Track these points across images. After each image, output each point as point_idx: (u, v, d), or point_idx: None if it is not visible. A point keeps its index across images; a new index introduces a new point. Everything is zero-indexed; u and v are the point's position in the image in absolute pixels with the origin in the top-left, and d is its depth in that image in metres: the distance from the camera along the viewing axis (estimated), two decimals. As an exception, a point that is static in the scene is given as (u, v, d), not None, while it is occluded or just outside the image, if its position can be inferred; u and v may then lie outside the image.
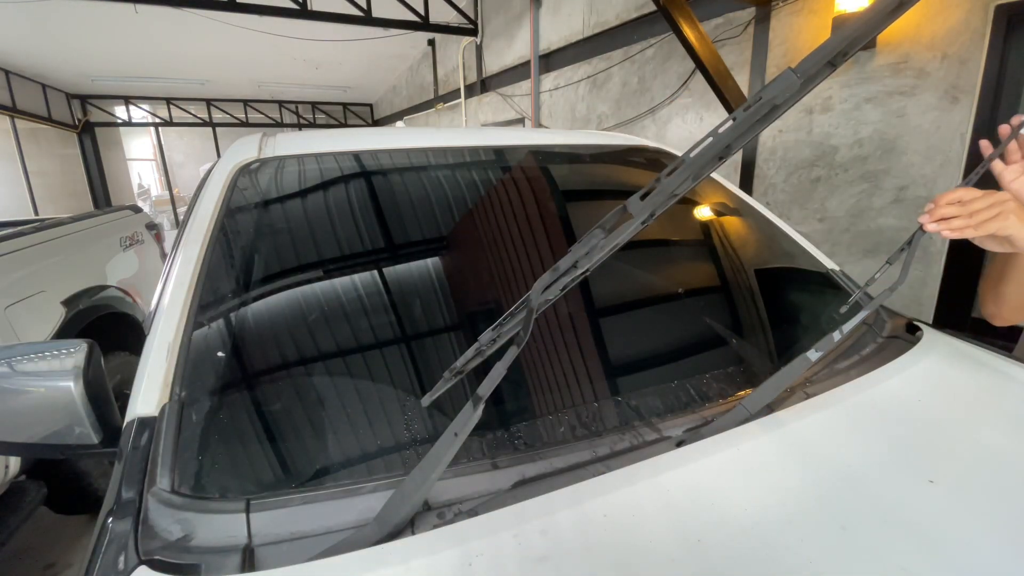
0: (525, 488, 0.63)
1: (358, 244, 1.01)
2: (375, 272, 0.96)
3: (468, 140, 1.37)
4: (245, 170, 1.08)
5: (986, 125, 2.15)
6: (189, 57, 7.78)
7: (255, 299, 0.85)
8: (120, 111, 10.36)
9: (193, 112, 10.75)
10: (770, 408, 0.82)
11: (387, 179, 1.16)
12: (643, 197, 0.47)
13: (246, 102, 11.01)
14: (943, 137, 2.26)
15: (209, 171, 1.26)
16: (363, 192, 1.12)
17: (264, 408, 0.75)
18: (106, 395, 0.78)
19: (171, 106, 10.44)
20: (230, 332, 0.79)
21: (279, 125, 11.35)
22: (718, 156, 0.48)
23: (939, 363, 0.98)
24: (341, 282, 0.93)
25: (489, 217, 1.11)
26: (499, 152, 1.32)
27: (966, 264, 2.28)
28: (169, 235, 4.25)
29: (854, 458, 0.72)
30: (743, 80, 3.00)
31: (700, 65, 2.81)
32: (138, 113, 10.66)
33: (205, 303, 0.79)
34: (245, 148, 1.18)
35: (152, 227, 3.32)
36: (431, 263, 1.01)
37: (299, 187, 1.08)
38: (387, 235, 1.03)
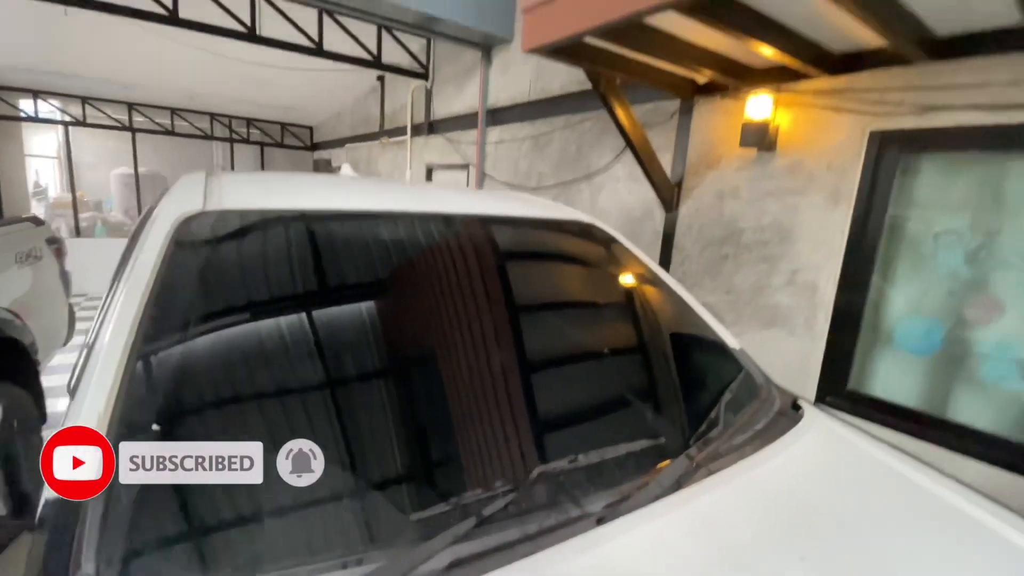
0: (462, 570, 0.68)
1: (308, 333, 0.96)
2: (319, 363, 0.92)
3: (435, 206, 1.38)
4: (187, 224, 0.99)
5: (860, 224, 2.54)
6: (115, 60, 7.27)
7: (192, 382, 0.80)
8: (26, 104, 9.38)
9: (110, 113, 9.94)
10: (679, 484, 0.93)
11: (344, 246, 1.13)
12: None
13: (174, 110, 10.39)
14: (827, 231, 2.65)
15: (147, 215, 1.21)
16: (311, 264, 1.08)
17: (193, 496, 0.70)
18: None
19: (86, 105, 9.61)
20: (166, 412, 0.76)
21: (208, 138, 10.77)
22: None
23: (815, 443, 1.15)
24: (288, 372, 0.89)
25: (440, 282, 1.16)
26: (448, 219, 1.38)
27: (843, 339, 2.62)
28: (69, 243, 3.81)
29: (744, 535, 0.83)
30: (667, 161, 3.35)
31: (630, 144, 3.12)
32: (45, 108, 9.70)
33: (136, 385, 0.73)
34: (188, 194, 1.09)
35: (53, 241, 3.02)
36: (377, 329, 1.04)
37: (246, 254, 1.03)
38: (336, 324, 1.01)
